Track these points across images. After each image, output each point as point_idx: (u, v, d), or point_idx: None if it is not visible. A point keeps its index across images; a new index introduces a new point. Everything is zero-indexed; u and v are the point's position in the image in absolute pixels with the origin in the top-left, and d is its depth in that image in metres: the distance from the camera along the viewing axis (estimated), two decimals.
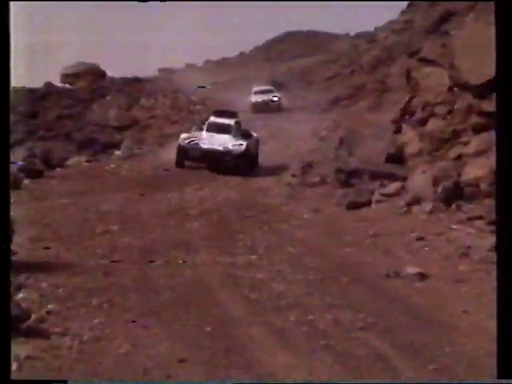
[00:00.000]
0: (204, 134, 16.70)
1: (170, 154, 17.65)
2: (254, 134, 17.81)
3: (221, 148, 16.21)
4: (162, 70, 45.18)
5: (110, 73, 31.89)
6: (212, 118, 17.46)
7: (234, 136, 16.70)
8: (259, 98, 28.82)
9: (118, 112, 26.62)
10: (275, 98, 29.03)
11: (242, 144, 16.43)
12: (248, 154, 16.34)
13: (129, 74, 32.16)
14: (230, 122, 17.23)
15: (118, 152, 21.32)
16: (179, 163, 16.25)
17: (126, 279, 7.30)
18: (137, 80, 31.87)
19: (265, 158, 17.64)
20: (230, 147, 16.28)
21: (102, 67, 31.89)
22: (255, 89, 29.80)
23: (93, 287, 6.91)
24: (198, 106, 28.39)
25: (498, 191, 4.39)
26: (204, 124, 17.49)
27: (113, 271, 7.55)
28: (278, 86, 33.04)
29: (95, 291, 6.79)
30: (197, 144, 16.21)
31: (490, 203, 10.36)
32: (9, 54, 4.17)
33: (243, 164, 16.09)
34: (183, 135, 16.81)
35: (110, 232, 9.69)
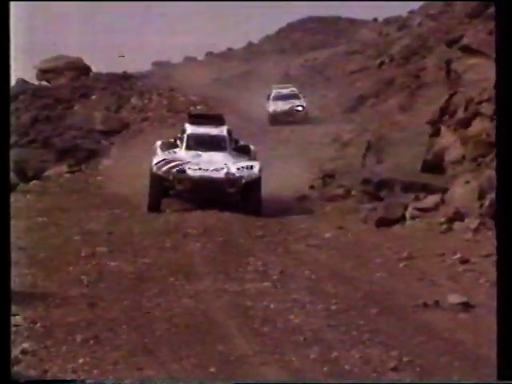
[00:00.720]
0: (184, 153, 13.55)
1: None
2: (252, 147, 15.00)
3: (220, 175, 13.05)
4: (157, 64, 45.46)
5: (95, 68, 32.13)
6: (191, 128, 14.21)
7: (231, 153, 13.86)
8: (280, 106, 26.55)
9: (105, 114, 26.77)
10: (300, 108, 26.63)
11: (252, 166, 13.32)
12: (260, 180, 13.09)
13: (117, 70, 32.40)
14: (221, 131, 14.21)
15: (105, 161, 21.44)
16: (153, 205, 12.80)
17: (116, 311, 7.32)
18: (127, 76, 32.12)
19: (275, 167, 16.54)
20: (235, 172, 13.13)
21: (86, 61, 32.08)
22: (274, 92, 27.56)
23: (76, 321, 6.93)
24: (199, 107, 28.53)
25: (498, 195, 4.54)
26: (179, 137, 14.38)
27: (100, 302, 7.57)
28: (292, 81, 33.00)
29: (79, 326, 6.82)
30: (181, 171, 12.92)
31: None
32: (9, 54, 4.44)
33: (256, 197, 12.88)
34: (157, 156, 13.50)
35: (96, 255, 9.74)
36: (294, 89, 28.13)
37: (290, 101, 26.83)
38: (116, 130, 25.68)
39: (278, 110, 26.39)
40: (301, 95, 27.36)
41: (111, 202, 14.28)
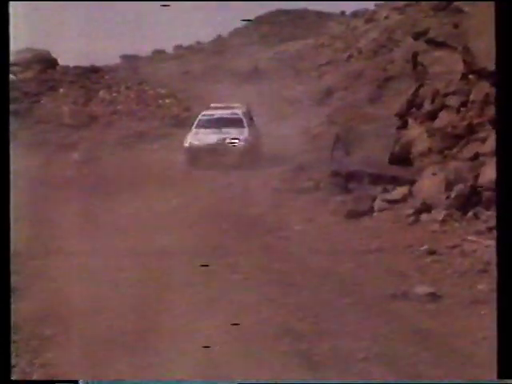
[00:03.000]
0: None
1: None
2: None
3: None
4: (125, 58, 45.14)
5: (61, 61, 31.80)
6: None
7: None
8: (203, 138, 18.25)
9: (73, 107, 26.55)
10: (235, 141, 18.18)
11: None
12: None
13: (85, 63, 32.10)
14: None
15: (75, 155, 21.28)
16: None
17: None
18: (94, 69, 31.83)
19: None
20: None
21: (53, 54, 31.75)
22: (202, 115, 19.46)
23: None
24: (167, 100, 28.40)
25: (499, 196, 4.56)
26: None
27: None
28: (262, 74, 32.89)
29: None
30: None
31: None
32: (8, 54, 4.48)
33: None
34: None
35: None
36: (238, 111, 19.23)
37: (225, 129, 18.39)
38: (85, 123, 25.49)
39: (197, 143, 18.05)
40: (245, 121, 18.86)
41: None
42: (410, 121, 14.06)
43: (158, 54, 48.21)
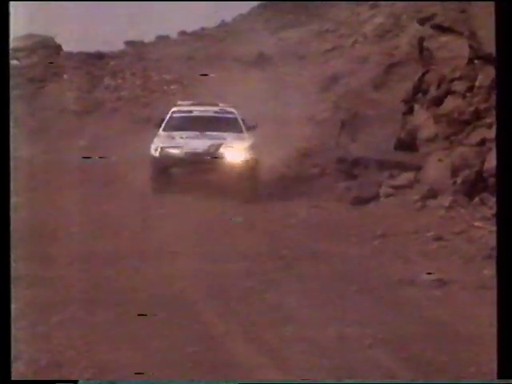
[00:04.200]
0: None
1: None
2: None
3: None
4: (130, 44, 45.00)
5: (65, 47, 31.75)
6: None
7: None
8: (188, 145, 13.05)
9: (78, 93, 26.51)
10: (223, 151, 12.88)
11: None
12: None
13: (89, 49, 32.04)
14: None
15: (81, 141, 21.26)
16: None
17: None
18: (99, 55, 31.75)
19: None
20: None
21: (57, 40, 31.71)
22: (174, 111, 14.29)
23: None
24: (172, 86, 28.34)
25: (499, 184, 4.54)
26: None
27: None
28: (267, 60, 32.81)
29: None
30: None
31: None
32: (8, 54, 4.53)
33: None
34: None
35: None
36: (233, 110, 14.21)
37: (212, 133, 13.29)
38: (89, 109, 25.46)
39: (174, 152, 12.90)
40: (242, 124, 13.86)
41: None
42: (416, 106, 13.99)
43: (163, 39, 48.03)
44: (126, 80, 28.79)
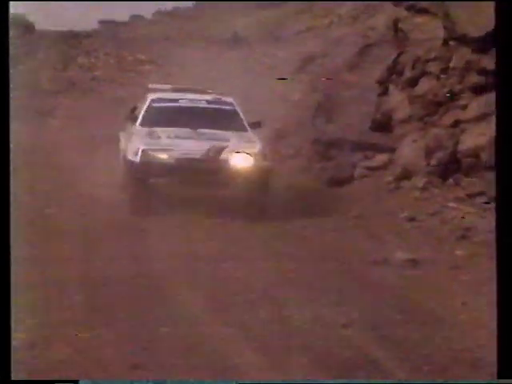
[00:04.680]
0: None
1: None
2: None
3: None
4: (103, 23, 44.60)
5: (38, 26, 31.41)
6: None
7: None
8: (179, 146, 9.90)
9: (52, 73, 26.25)
10: (241, 156, 9.91)
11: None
12: None
13: (62, 28, 31.69)
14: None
15: (53, 120, 21.08)
16: None
17: None
18: (73, 34, 31.42)
19: None
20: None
21: (30, 19, 31.35)
22: (155, 99, 11.07)
23: None
24: (147, 67, 28.14)
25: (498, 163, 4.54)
26: None
27: None
28: (242, 41, 32.65)
29: None
30: None
31: (492, 177, 10.50)
32: (8, 54, 4.50)
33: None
34: None
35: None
36: (230, 99, 11.26)
37: (206, 131, 10.34)
38: (63, 89, 25.23)
39: (162, 156, 9.76)
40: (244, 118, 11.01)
41: None
42: (391, 88, 14.01)
43: (137, 19, 47.64)
44: (99, 60, 28.54)
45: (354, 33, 25.04)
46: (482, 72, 11.94)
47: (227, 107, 11.06)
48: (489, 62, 11.74)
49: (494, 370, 4.99)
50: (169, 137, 10.11)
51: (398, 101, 13.61)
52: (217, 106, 11.05)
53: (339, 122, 14.94)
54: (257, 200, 9.84)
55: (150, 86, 12.09)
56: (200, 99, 11.14)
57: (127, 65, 28.36)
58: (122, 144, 11.16)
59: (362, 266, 7.73)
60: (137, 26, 41.75)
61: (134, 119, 10.86)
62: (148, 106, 10.88)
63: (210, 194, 9.83)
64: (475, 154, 11.14)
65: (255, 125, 11.01)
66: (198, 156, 9.80)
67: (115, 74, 27.28)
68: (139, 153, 9.76)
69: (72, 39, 30.75)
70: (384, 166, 12.07)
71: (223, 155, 9.85)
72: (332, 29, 29.34)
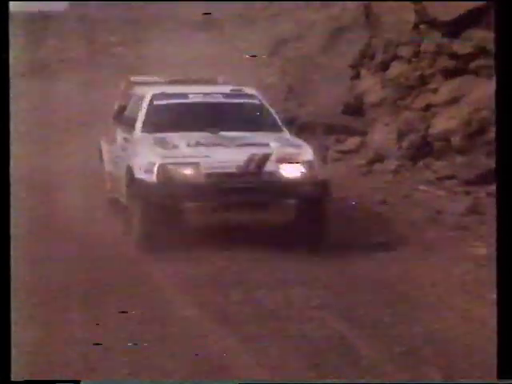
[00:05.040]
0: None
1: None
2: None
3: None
4: (74, 4, 44.10)
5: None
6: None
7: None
8: (213, 157, 7.55)
9: (22, 54, 25.95)
10: (274, 165, 7.55)
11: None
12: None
13: (32, 9, 31.29)
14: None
15: (23, 103, 20.85)
16: None
17: None
18: (42, 16, 31.05)
19: None
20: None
21: None
22: (159, 94, 8.68)
23: None
24: (118, 48, 27.92)
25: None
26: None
27: None
28: (215, 24, 32.43)
29: None
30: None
31: (462, 160, 10.61)
32: (8, 54, 4.45)
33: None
34: None
35: None
36: (251, 91, 9.01)
37: (231, 134, 8.02)
38: (34, 71, 24.95)
39: (185, 173, 7.42)
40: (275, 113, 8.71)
41: None
42: (363, 71, 14.05)
43: (108, 0, 47.13)
44: (70, 41, 28.25)
45: (326, 16, 25.04)
46: (453, 56, 12.02)
47: (252, 101, 8.79)
48: (459, 46, 11.84)
49: (464, 345, 5.10)
50: (189, 145, 7.72)
51: (370, 84, 13.66)
52: (239, 101, 8.76)
53: (311, 105, 14.96)
54: (316, 226, 7.67)
55: (133, 78, 9.81)
56: (215, 92, 8.85)
57: (98, 46, 28.12)
58: (106, 155, 9.25)
59: (334, 249, 7.74)
60: (107, 7, 41.36)
61: (129, 123, 8.52)
62: (149, 105, 8.47)
63: (254, 220, 7.59)
64: (446, 137, 11.23)
65: (287, 123, 8.87)
66: (234, 169, 7.45)
67: (86, 56, 27.04)
68: (155, 169, 7.36)
69: (42, 20, 30.40)
70: (356, 150, 12.12)
71: (269, 167, 7.52)
72: (305, 12, 29.28)
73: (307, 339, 5.42)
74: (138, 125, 8.30)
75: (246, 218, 7.49)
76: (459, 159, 10.68)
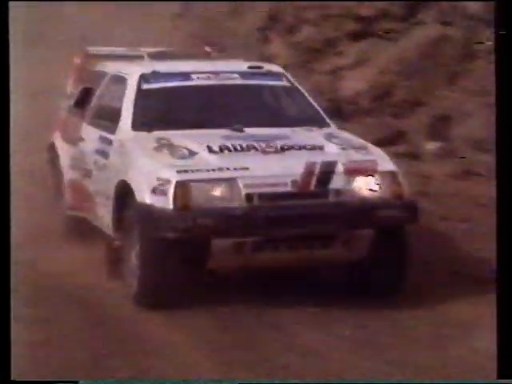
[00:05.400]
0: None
1: None
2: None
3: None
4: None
5: None
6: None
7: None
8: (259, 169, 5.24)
9: None
10: (348, 180, 5.29)
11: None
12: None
13: None
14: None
15: None
16: None
17: None
18: None
19: None
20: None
21: None
22: (149, 75, 6.26)
23: None
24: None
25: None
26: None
27: None
28: None
29: None
30: None
31: (371, 122, 10.80)
32: (8, 54, 4.45)
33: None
34: None
35: None
36: (277, 68, 7.12)
37: (273, 133, 5.73)
38: None
39: (215, 195, 5.13)
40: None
41: None
42: (272, 35, 14.06)
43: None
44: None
45: None
46: (359, 19, 12.18)
47: (280, 82, 6.74)
48: (366, 8, 11.99)
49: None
50: (211, 150, 5.43)
51: (278, 48, 13.67)
52: (263, 82, 6.60)
53: None
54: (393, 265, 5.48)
55: (93, 50, 7.58)
56: (228, 71, 6.50)
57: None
58: (66, 158, 6.87)
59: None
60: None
61: (105, 116, 6.33)
62: (137, 91, 6.14)
63: (312, 260, 5.39)
64: (355, 100, 11.40)
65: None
66: (288, 187, 5.23)
67: None
68: (171, 190, 5.11)
69: None
70: None
71: (335, 182, 5.34)
72: None
73: None
74: (125, 120, 5.96)
75: (302, 257, 5.26)
76: (369, 121, 10.87)
